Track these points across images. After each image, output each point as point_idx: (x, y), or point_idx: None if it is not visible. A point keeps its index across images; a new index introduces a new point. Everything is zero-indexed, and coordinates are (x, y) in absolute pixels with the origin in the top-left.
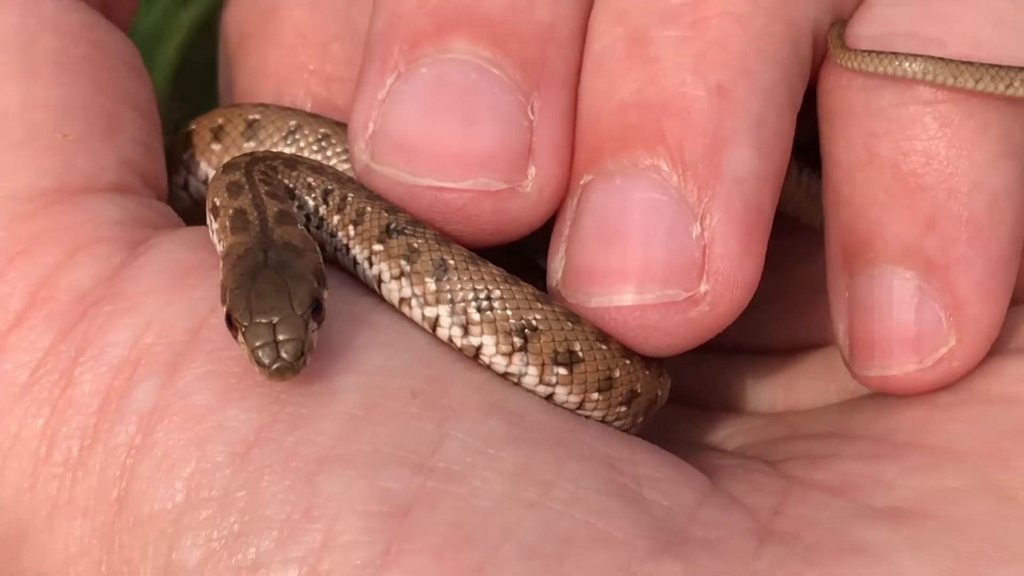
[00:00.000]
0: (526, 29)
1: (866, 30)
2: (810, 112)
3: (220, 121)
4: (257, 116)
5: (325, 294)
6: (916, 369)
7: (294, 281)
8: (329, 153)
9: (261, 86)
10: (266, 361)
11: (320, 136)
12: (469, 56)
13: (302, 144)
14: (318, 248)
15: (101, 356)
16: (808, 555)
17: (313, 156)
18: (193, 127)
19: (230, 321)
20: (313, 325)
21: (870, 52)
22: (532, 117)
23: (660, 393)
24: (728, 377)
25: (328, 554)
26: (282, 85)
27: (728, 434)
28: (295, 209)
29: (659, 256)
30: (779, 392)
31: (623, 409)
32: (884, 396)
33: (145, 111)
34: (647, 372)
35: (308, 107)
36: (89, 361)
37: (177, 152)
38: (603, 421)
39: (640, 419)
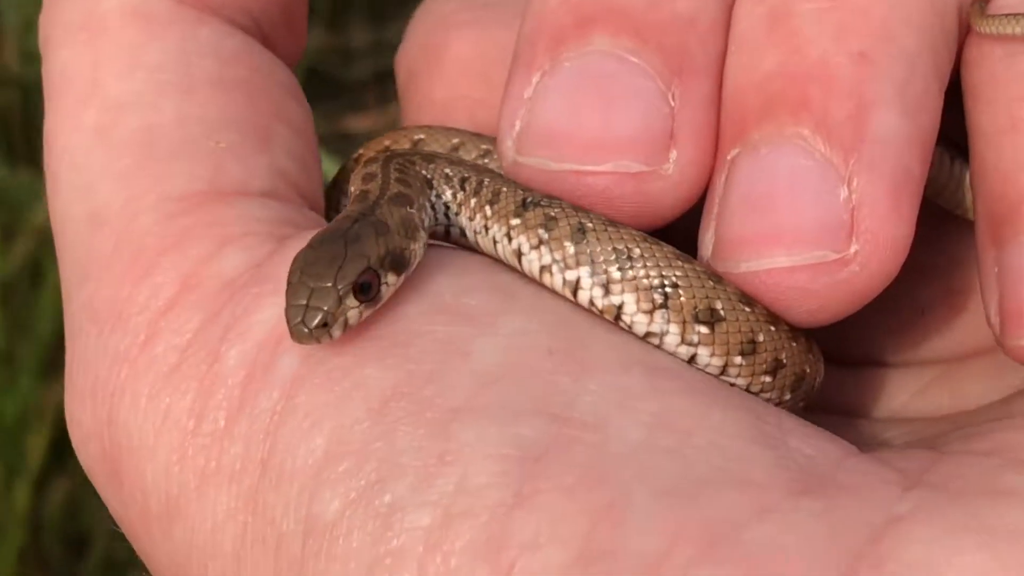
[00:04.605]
0: (666, 20)
1: None
2: (957, 105)
3: (387, 143)
4: (422, 136)
5: (391, 278)
6: None
7: (352, 256)
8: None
9: (426, 116)
10: (291, 321)
11: (482, 152)
12: (610, 48)
13: (465, 159)
14: (419, 236)
15: (247, 333)
16: (953, 498)
17: None
18: (362, 151)
19: None
20: (353, 303)
21: (1008, 15)
22: (673, 103)
23: (809, 370)
24: (893, 387)
25: (462, 496)
26: (447, 113)
27: (891, 436)
28: (431, 199)
29: (807, 219)
30: (944, 398)
31: (768, 379)
32: None
33: (300, 130)
34: (794, 344)
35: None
36: (235, 338)
37: (346, 175)
38: (747, 391)
39: (788, 396)
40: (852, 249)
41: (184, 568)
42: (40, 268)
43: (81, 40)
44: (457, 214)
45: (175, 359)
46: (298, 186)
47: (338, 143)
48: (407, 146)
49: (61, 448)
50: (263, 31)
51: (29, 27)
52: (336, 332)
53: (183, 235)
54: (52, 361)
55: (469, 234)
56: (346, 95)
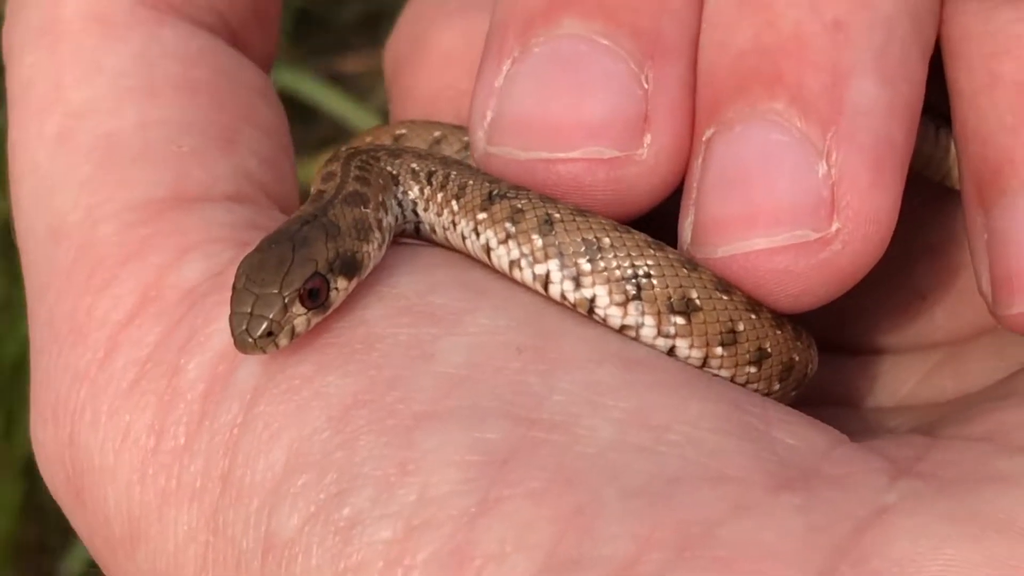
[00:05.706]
0: (638, 1)
1: None
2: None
3: (368, 139)
4: (403, 131)
5: (341, 283)
6: None
7: (299, 260)
8: (472, 160)
9: (411, 107)
10: (234, 330)
11: (464, 145)
12: (580, 31)
13: (447, 153)
14: (374, 237)
15: (206, 343)
16: (942, 486)
17: None
18: (343, 148)
19: None
20: (300, 310)
21: None
22: (646, 86)
23: (798, 358)
24: (897, 375)
25: (424, 507)
26: (432, 105)
27: (896, 424)
28: (398, 196)
29: (784, 197)
30: (948, 382)
31: (753, 370)
32: None
33: (270, 131)
34: (778, 332)
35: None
36: (195, 349)
37: None
38: (732, 382)
39: (777, 386)
40: (833, 227)
41: None
42: None
43: (43, 47)
44: (425, 210)
45: (134, 374)
46: (266, 188)
47: (331, 84)
48: (388, 142)
49: None
50: (232, 29)
51: None
52: (283, 341)
53: (143, 244)
54: None
55: (438, 230)
56: (337, 36)
